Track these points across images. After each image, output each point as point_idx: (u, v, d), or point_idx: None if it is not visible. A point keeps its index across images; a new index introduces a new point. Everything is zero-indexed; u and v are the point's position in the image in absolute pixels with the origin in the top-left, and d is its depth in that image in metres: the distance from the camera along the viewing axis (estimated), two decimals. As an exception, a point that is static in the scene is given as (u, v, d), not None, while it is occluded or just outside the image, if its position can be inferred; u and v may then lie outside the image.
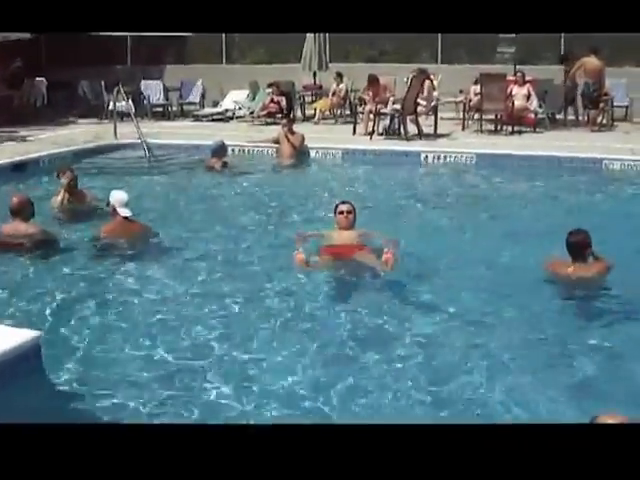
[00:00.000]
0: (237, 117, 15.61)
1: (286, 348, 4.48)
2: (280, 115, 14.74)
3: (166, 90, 16.49)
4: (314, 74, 16.00)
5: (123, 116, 13.78)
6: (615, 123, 13.49)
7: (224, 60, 18.40)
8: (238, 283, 5.68)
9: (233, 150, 11.69)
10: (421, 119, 12.94)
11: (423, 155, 11.32)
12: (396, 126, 12.75)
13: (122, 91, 12.79)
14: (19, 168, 10.38)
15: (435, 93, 13.52)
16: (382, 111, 12.84)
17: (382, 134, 12.82)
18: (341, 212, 6.32)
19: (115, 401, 3.82)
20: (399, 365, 4.30)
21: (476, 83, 13.56)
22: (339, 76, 15.11)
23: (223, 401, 3.84)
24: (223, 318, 5.00)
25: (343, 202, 6.50)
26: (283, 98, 15.03)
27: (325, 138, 12.20)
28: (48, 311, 5.06)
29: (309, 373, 4.17)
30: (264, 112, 14.96)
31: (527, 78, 13.34)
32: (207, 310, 5.15)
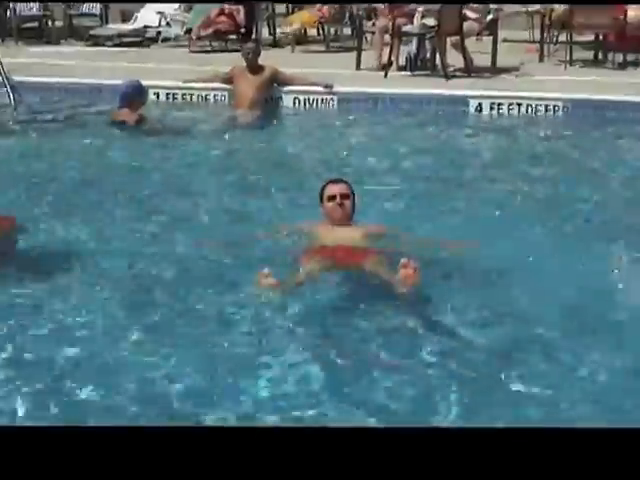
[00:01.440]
0: (163, 39, 15.76)
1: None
2: (235, 36, 14.87)
3: (44, -6, 16.59)
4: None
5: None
6: None
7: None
8: (163, 318, 5.70)
9: (157, 95, 11.85)
10: (470, 42, 12.98)
11: (473, 103, 11.45)
12: (428, 54, 12.86)
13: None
14: None
15: (493, -1, 13.59)
16: (405, 29, 12.86)
17: (405, 68, 12.93)
18: (332, 197, 6.39)
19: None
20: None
21: (562, -17, 13.69)
22: (333, -29, 15.27)
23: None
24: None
25: (334, 180, 6.60)
26: (240, 8, 15.14)
27: (310, 75, 12.19)
28: None
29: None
30: (209, 31, 15.09)
31: (647, -25, 13.49)
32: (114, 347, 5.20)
